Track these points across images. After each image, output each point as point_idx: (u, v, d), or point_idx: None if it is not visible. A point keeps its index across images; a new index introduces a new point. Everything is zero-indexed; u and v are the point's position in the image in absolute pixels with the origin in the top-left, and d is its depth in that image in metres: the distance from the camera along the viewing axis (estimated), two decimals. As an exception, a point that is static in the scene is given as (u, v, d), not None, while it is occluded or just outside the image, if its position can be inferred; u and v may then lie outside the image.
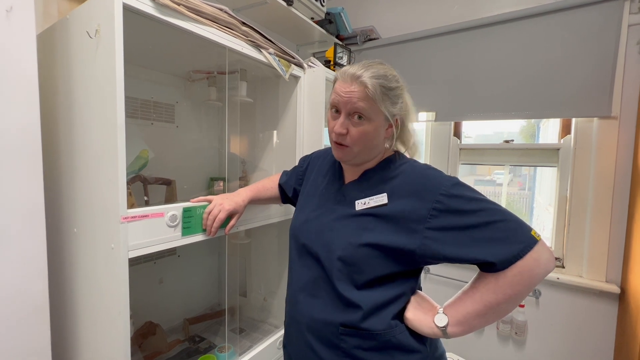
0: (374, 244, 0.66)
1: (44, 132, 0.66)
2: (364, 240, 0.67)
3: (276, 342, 1.16)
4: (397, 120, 0.72)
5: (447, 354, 1.41)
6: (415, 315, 0.69)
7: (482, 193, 0.65)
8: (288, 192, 0.98)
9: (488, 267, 0.63)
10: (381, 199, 0.69)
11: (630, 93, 1.32)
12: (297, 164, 1.03)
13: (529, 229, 0.61)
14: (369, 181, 0.74)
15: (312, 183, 0.87)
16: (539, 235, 0.61)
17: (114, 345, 0.73)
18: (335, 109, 0.71)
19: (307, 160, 0.97)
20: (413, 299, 0.72)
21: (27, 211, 0.64)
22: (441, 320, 0.66)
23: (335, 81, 0.72)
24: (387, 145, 0.76)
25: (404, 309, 0.70)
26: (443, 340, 0.78)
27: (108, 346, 0.75)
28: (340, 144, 0.71)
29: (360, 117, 0.68)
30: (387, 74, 0.69)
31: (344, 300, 0.68)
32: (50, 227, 0.70)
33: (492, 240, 0.60)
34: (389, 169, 0.73)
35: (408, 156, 0.78)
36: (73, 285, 0.83)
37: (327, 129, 0.75)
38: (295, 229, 0.82)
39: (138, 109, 1.18)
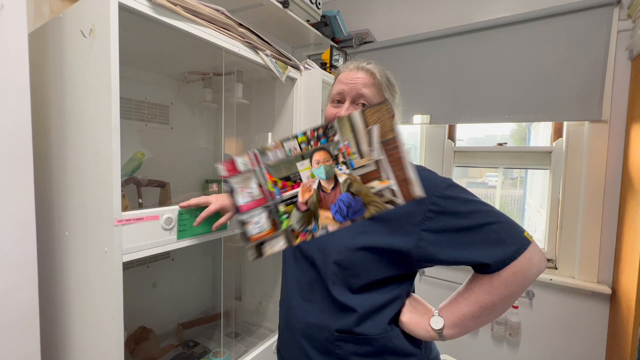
0: (369, 247, 0.66)
1: (35, 133, 0.64)
2: (360, 243, 0.66)
3: (272, 346, 1.15)
4: (393, 115, 0.73)
5: (442, 356, 1.42)
6: (411, 318, 0.68)
7: (476, 195, 0.66)
8: None
9: (483, 269, 0.63)
10: None
11: (619, 97, 1.35)
12: None
13: (522, 230, 0.62)
14: None
15: None
16: (531, 237, 0.62)
17: (106, 351, 0.71)
18: (338, 100, 0.73)
19: None
20: (408, 302, 0.71)
21: (17, 214, 0.62)
22: (437, 322, 0.66)
23: (336, 77, 0.76)
24: None
25: (399, 312, 0.69)
26: (437, 342, 0.78)
27: (100, 352, 0.73)
28: None
29: (364, 105, 0.70)
30: (387, 71, 0.75)
31: (338, 304, 0.67)
32: (40, 231, 0.68)
33: (487, 242, 0.61)
34: None
35: None
36: (64, 290, 0.81)
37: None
38: None
39: (132, 110, 1.16)
